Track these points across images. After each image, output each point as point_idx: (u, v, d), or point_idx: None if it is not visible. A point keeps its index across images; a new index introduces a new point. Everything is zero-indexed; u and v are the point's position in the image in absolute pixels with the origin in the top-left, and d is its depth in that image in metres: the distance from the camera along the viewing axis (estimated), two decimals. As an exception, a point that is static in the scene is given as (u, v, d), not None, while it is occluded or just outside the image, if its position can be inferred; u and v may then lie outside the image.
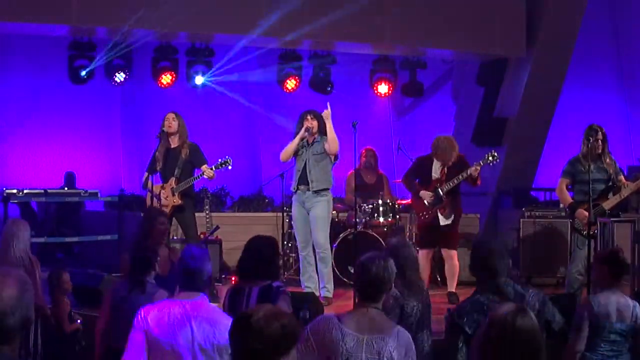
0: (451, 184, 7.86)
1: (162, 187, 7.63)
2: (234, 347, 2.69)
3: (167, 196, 7.58)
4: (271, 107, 12.30)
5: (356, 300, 3.95)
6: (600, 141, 7.13)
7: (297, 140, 7.69)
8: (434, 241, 8.12)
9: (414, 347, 3.65)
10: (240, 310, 4.24)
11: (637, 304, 4.80)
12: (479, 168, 7.80)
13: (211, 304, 3.93)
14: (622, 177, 7.27)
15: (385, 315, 3.76)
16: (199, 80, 10.64)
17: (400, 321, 4.47)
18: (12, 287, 2.39)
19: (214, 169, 7.55)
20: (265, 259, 4.49)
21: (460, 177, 7.82)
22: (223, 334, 3.64)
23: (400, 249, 4.91)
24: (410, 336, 3.68)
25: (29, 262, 5.68)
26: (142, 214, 6.79)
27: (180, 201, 7.55)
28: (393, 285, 3.87)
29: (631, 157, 11.45)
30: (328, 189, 7.75)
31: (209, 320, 3.76)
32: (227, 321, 3.73)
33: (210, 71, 10.67)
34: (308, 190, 7.69)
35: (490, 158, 7.86)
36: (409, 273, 4.83)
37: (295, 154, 7.80)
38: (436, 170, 8.02)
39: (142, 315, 3.75)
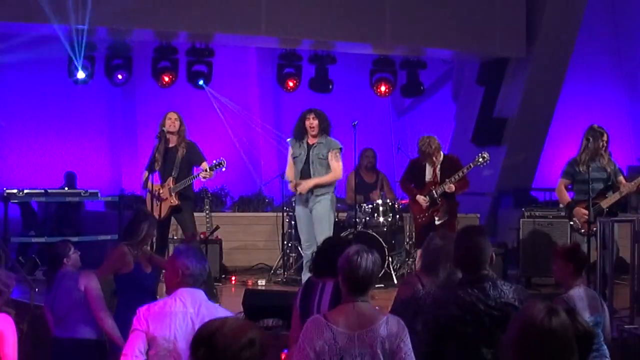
0: (445, 188, 7.84)
1: (161, 187, 7.64)
2: None
3: (165, 196, 7.58)
4: (271, 107, 12.31)
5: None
6: (604, 142, 7.16)
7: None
8: None
9: (406, 330, 3.62)
10: (312, 303, 4.30)
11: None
12: (466, 171, 7.81)
13: (209, 301, 3.97)
14: (621, 178, 7.27)
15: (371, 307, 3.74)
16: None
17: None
18: None
19: (209, 169, 7.54)
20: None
21: (453, 179, 7.81)
22: None
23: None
24: (401, 321, 3.65)
25: None
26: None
27: (177, 201, 7.55)
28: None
29: (631, 157, 11.45)
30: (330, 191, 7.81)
31: (212, 317, 3.76)
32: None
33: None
34: (311, 190, 7.71)
35: (481, 160, 7.84)
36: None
37: (293, 156, 7.84)
38: (429, 172, 8.02)
39: (142, 316, 3.78)
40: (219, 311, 3.87)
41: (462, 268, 3.94)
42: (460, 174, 7.76)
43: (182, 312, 3.78)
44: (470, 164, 7.79)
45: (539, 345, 2.67)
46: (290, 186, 8.00)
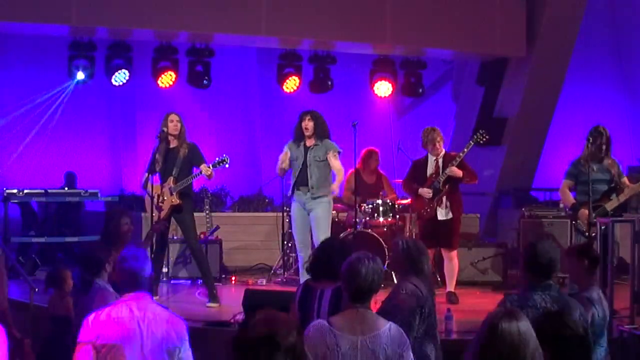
0: (447, 171, 7.85)
1: (162, 187, 7.65)
2: None
3: (166, 196, 7.59)
4: (271, 107, 12.30)
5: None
6: (604, 144, 7.15)
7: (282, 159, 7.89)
8: (435, 239, 8.03)
9: (407, 340, 3.66)
10: (311, 311, 4.31)
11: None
12: (467, 150, 7.82)
13: (155, 302, 3.90)
14: (625, 179, 7.27)
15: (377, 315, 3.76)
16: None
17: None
18: None
19: (211, 167, 7.56)
20: (338, 262, 4.49)
21: (453, 162, 7.82)
22: (173, 335, 3.69)
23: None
24: (401, 329, 3.68)
25: None
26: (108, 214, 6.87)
27: (178, 201, 7.56)
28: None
29: (631, 157, 11.44)
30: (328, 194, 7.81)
31: (158, 321, 3.72)
32: (175, 320, 3.76)
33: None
34: (308, 192, 7.71)
35: (479, 136, 7.83)
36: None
37: (290, 159, 7.84)
38: (431, 167, 8.06)
39: (89, 325, 3.70)
40: (164, 313, 3.80)
41: (538, 274, 4.22)
42: (461, 154, 7.77)
43: (129, 317, 3.70)
44: (470, 142, 7.81)
45: (493, 347, 2.76)
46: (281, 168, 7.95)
